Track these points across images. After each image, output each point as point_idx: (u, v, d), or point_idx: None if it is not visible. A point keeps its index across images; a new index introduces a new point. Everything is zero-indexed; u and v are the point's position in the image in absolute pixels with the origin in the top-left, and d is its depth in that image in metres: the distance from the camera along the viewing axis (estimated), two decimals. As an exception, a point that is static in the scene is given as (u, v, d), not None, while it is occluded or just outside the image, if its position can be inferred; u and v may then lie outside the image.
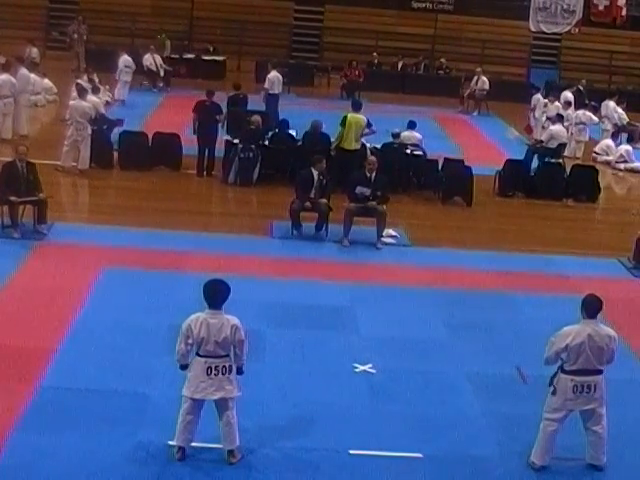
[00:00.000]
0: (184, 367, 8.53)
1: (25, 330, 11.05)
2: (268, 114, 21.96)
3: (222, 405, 8.46)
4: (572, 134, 23.84)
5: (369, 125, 18.80)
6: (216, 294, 8.40)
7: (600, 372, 8.75)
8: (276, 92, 24.55)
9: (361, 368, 10.74)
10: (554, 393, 8.73)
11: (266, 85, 24.51)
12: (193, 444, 8.57)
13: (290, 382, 10.25)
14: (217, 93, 20.34)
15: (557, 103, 25.24)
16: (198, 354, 8.38)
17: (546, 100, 25.87)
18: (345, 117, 18.69)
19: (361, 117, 18.78)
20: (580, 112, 24.89)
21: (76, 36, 32.34)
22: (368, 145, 19.35)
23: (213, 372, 8.34)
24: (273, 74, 24.70)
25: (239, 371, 8.57)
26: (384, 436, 9.23)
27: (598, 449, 8.89)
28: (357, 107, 19.28)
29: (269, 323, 11.76)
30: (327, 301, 12.77)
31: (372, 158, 15.82)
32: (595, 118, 25.29)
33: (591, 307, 8.74)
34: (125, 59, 27.76)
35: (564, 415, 8.75)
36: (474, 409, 9.99)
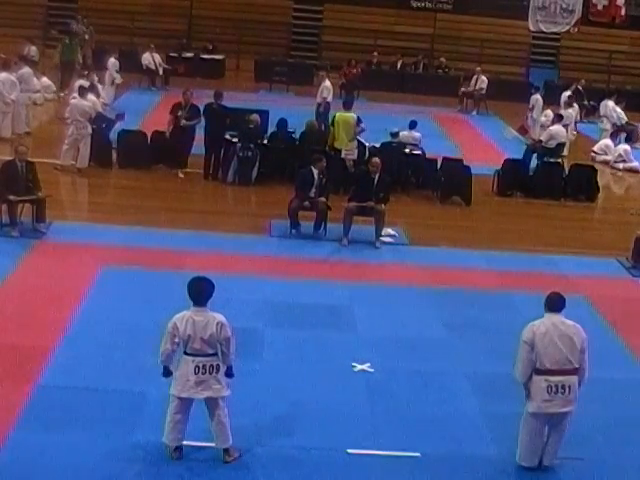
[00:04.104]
0: (167, 370, 8.46)
1: (23, 328, 11.04)
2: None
3: (212, 404, 8.42)
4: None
5: (359, 122, 18.80)
6: (200, 292, 8.40)
7: (575, 371, 8.48)
8: (329, 100, 23.53)
9: (359, 367, 10.73)
10: (528, 396, 8.52)
11: (325, 94, 23.39)
12: (190, 443, 8.55)
13: (288, 381, 10.24)
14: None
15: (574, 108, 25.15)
16: (186, 352, 8.34)
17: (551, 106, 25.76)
18: (334, 117, 18.76)
19: (350, 115, 18.83)
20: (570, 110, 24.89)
21: (87, 37, 32.14)
22: (367, 144, 19.36)
23: (201, 371, 8.29)
24: (329, 82, 23.89)
25: (228, 373, 8.47)
26: (382, 435, 9.23)
27: (555, 449, 8.70)
28: (347, 106, 19.32)
29: (267, 322, 11.75)
30: (326, 300, 12.76)
31: (376, 160, 15.79)
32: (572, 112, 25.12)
33: (554, 303, 8.66)
34: (114, 62, 26.82)
35: (543, 422, 8.49)
36: (472, 408, 9.99)
